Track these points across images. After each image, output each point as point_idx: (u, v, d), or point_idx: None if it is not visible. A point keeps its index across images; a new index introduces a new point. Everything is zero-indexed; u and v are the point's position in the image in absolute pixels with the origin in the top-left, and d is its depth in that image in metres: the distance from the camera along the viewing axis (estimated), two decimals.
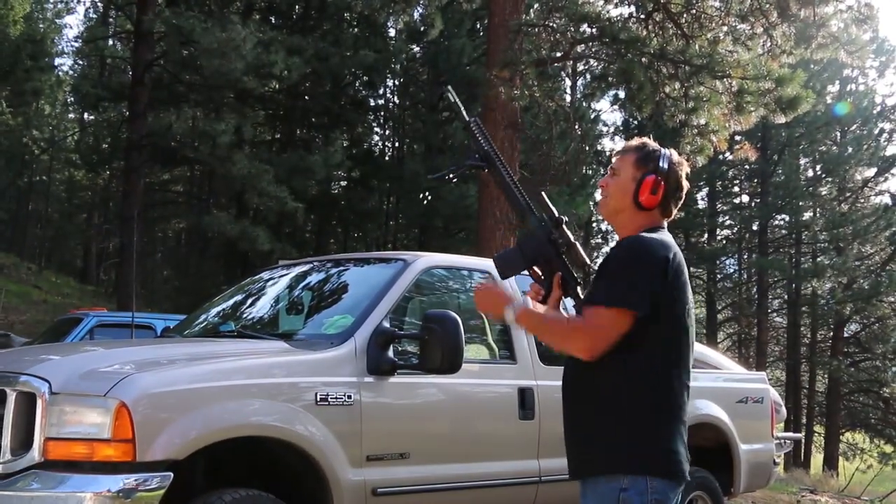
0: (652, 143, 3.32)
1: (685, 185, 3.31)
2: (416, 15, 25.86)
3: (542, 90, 13.53)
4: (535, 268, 3.34)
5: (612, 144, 36.63)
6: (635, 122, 31.51)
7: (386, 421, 4.74)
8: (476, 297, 3.37)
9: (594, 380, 3.13)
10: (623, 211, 3.26)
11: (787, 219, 34.51)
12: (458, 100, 3.64)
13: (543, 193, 3.40)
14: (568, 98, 30.75)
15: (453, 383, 5.03)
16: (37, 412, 3.87)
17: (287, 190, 21.03)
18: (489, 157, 3.38)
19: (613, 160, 3.35)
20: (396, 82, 33.83)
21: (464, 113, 3.51)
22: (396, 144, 36.29)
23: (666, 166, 3.23)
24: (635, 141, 3.35)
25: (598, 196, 3.47)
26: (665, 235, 3.20)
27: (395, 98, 35.16)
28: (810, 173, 35.09)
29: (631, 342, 3.05)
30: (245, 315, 5.91)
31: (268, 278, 6.24)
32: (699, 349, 7.88)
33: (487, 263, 6.04)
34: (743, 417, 6.86)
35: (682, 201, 3.33)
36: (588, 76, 28.25)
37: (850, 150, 32.65)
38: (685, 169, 3.31)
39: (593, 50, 14.70)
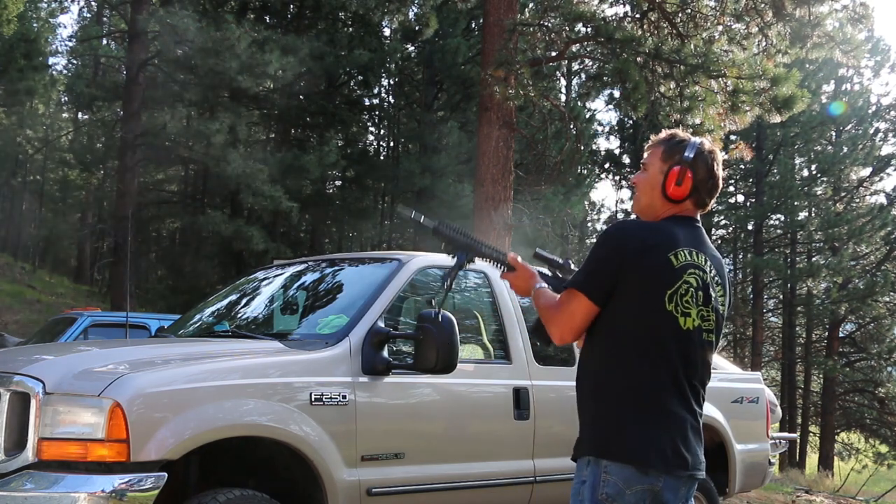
0: (681, 134, 3.30)
1: (718, 173, 3.26)
2: (410, 14, 25.80)
3: (537, 89, 13.50)
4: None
5: (607, 144, 36.71)
6: (630, 122, 31.52)
7: (381, 421, 4.73)
8: (512, 276, 3.49)
9: (584, 367, 3.22)
10: (653, 206, 3.26)
11: (783, 218, 34.49)
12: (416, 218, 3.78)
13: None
14: (563, 97, 30.82)
15: (448, 383, 5.03)
16: (30, 412, 3.86)
17: (281, 189, 21.03)
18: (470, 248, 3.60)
19: (645, 155, 3.35)
20: (391, 82, 33.82)
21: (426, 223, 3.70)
22: (391, 144, 36.30)
23: (692, 155, 3.19)
24: (663, 134, 3.34)
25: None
26: (662, 224, 3.17)
27: (390, 97, 35.15)
28: (805, 173, 35.08)
29: (607, 329, 3.11)
30: (240, 315, 5.90)
31: (262, 278, 6.23)
32: None
33: (482, 263, 6.03)
34: (738, 417, 6.86)
35: (716, 190, 3.27)
36: (583, 75, 28.36)
37: (845, 149, 32.65)
38: (718, 157, 3.27)
39: (588, 49, 14.70)
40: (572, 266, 3.53)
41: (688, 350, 3.07)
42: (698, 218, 3.27)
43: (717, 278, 3.18)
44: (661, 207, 3.23)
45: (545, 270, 3.54)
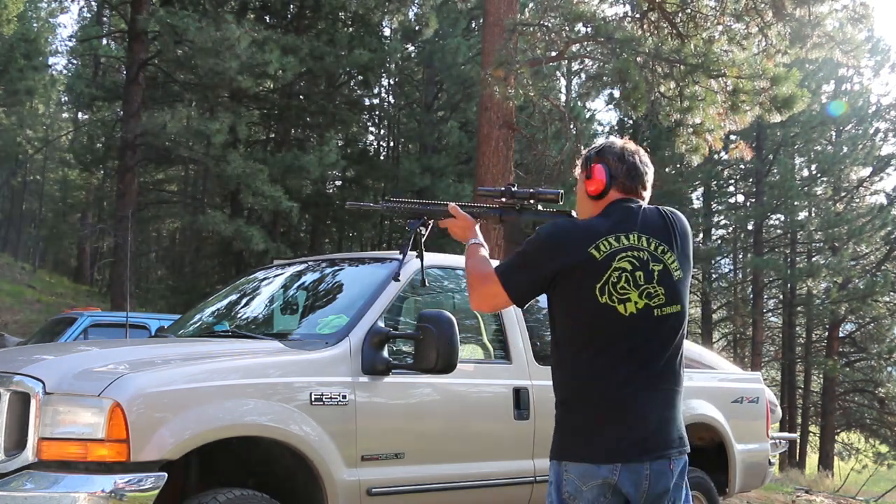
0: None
1: (633, 159, 3.32)
2: (410, 14, 25.83)
3: (537, 89, 13.52)
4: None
5: None
6: (630, 122, 31.50)
7: (381, 421, 4.73)
8: (451, 222, 3.67)
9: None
10: (585, 212, 3.35)
11: (783, 218, 34.46)
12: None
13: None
14: (563, 97, 30.80)
15: (448, 383, 5.02)
16: (31, 412, 3.86)
17: (281, 189, 21.01)
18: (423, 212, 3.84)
19: None
20: (391, 82, 33.85)
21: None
22: (391, 144, 36.36)
23: (592, 153, 3.34)
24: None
25: None
26: (584, 221, 3.25)
27: (390, 97, 35.20)
28: (805, 173, 35.04)
29: (553, 332, 3.23)
30: (240, 315, 5.90)
31: (262, 278, 6.22)
32: (695, 349, 7.86)
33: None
34: (738, 417, 6.85)
35: (637, 172, 3.30)
36: (583, 75, 28.32)
37: (845, 149, 32.61)
38: (629, 146, 3.35)
39: (588, 49, 14.71)
40: (514, 189, 3.64)
41: (636, 334, 3.10)
42: (635, 199, 3.30)
43: (660, 247, 3.18)
44: (590, 208, 3.32)
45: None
